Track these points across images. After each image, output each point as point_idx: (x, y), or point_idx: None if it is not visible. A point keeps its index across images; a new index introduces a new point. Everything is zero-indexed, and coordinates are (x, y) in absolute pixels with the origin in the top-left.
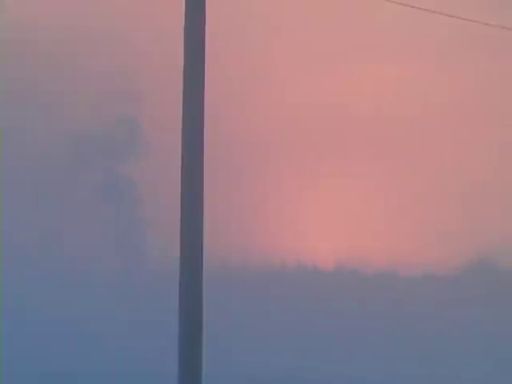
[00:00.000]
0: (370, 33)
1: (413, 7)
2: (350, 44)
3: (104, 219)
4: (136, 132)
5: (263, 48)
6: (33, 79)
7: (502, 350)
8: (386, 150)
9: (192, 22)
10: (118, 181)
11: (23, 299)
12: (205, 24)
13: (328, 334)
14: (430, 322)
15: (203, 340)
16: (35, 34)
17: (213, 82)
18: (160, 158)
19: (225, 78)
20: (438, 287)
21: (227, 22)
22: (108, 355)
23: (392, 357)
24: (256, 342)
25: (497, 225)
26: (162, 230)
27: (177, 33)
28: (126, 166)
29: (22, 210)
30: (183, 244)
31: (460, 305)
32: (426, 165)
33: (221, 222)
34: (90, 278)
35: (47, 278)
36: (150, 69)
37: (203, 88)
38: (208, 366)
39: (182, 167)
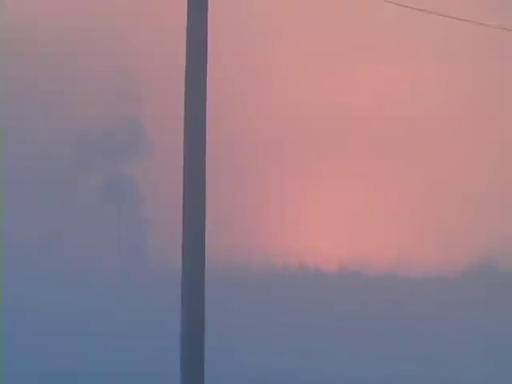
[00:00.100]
0: (372, 33)
1: (413, 8)
2: (351, 44)
3: (105, 219)
4: (138, 132)
5: (265, 48)
6: (33, 79)
7: (502, 352)
8: (388, 150)
9: (194, 22)
10: (120, 181)
11: (23, 299)
12: (207, 24)
13: (330, 336)
14: (432, 324)
15: (205, 340)
16: (35, 34)
17: (215, 82)
18: (162, 158)
19: (227, 78)
20: (440, 289)
21: (229, 22)
22: (110, 355)
23: (394, 358)
24: (257, 342)
25: (498, 225)
26: (164, 230)
27: (179, 33)
28: (127, 166)
29: (21, 210)
30: (185, 244)
31: (462, 306)
32: (427, 165)
33: (223, 222)
34: (92, 278)
35: (48, 278)
36: (152, 69)
37: (205, 88)
38: (210, 366)
39: (184, 167)
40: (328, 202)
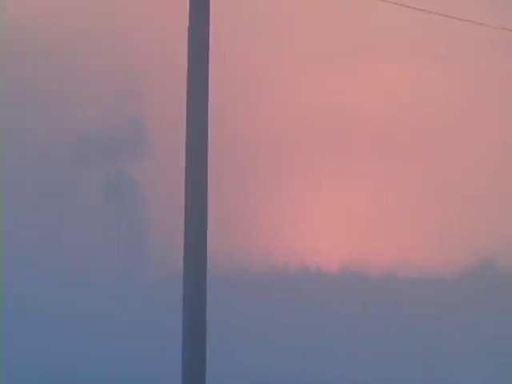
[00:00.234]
0: (374, 34)
1: (414, 8)
2: (353, 44)
3: (107, 219)
4: (140, 132)
5: (267, 48)
6: (33, 79)
7: (503, 353)
8: (389, 150)
9: (196, 22)
10: (122, 181)
11: (23, 299)
12: (209, 24)
13: (330, 337)
14: (432, 325)
15: (207, 340)
16: (35, 34)
17: (217, 82)
18: (164, 158)
19: (229, 78)
20: (440, 290)
21: (231, 22)
22: (111, 355)
23: (394, 360)
24: (258, 343)
25: (498, 227)
26: (166, 230)
27: (180, 33)
28: (129, 167)
29: (21, 210)
30: (187, 244)
31: (462, 307)
32: (427, 166)
33: (225, 223)
34: (94, 278)
35: (48, 277)
36: (153, 69)
37: (207, 88)
38: (210, 367)
39: (185, 167)
40: (330, 202)
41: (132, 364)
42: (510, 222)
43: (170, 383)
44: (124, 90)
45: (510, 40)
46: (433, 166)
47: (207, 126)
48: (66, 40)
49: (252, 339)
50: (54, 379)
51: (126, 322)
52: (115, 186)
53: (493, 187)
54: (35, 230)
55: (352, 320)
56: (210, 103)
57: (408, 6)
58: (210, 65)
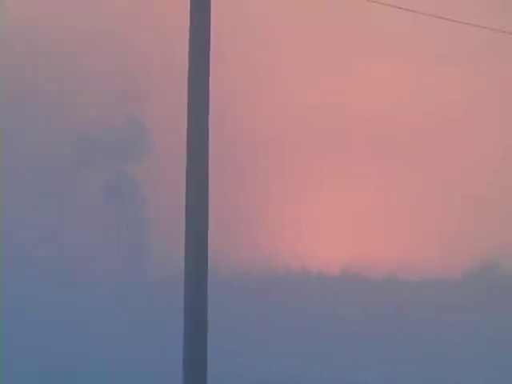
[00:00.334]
0: (375, 36)
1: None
2: (354, 45)
3: (108, 220)
4: (141, 132)
5: (268, 48)
6: (33, 79)
7: (503, 355)
8: (390, 152)
9: (197, 22)
10: (123, 181)
11: (23, 299)
12: (210, 24)
13: (331, 339)
14: (433, 327)
15: (208, 340)
16: (35, 34)
17: (218, 82)
18: (165, 158)
19: (230, 78)
20: (441, 292)
21: (232, 23)
22: (112, 355)
23: (395, 362)
24: (259, 345)
25: (499, 229)
26: (167, 231)
27: (181, 33)
28: (129, 167)
29: (22, 210)
30: (188, 244)
31: (463, 310)
32: (428, 168)
33: (226, 223)
34: (95, 278)
35: (49, 278)
36: (154, 69)
37: (208, 88)
38: (211, 368)
39: (186, 167)
40: (330, 203)
41: (133, 364)
42: (510, 224)
43: (170, 383)
44: (124, 90)
45: (509, 42)
46: (433, 167)
47: (208, 126)
48: (67, 40)
49: (253, 340)
50: (54, 379)
51: (127, 322)
52: (116, 186)
53: (493, 189)
54: (35, 230)
55: (353, 322)
56: (210, 103)
57: (408, 9)
58: (210, 65)
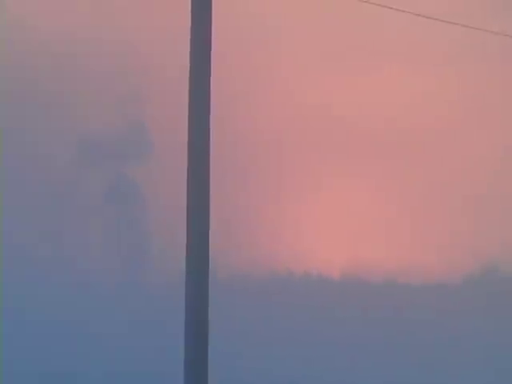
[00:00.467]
0: (376, 37)
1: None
2: (355, 45)
3: (109, 220)
4: (141, 132)
5: (270, 48)
6: (33, 79)
7: (504, 360)
8: (391, 153)
9: (198, 23)
10: (123, 181)
11: (23, 299)
12: (211, 24)
13: (331, 342)
14: (433, 331)
15: (209, 340)
16: (35, 34)
17: (219, 83)
18: (166, 158)
19: (231, 78)
20: (442, 295)
21: (233, 22)
22: (113, 355)
23: (395, 365)
24: (259, 347)
25: (501, 232)
26: (168, 231)
27: (183, 33)
28: (130, 167)
29: (22, 210)
30: (189, 244)
31: (464, 313)
32: (428, 170)
33: (227, 223)
34: (96, 278)
35: (50, 278)
36: (155, 69)
37: (209, 88)
38: (211, 370)
39: (188, 168)
40: (330, 203)
41: (133, 364)
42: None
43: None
44: (125, 90)
45: (509, 44)
46: (433, 168)
47: (209, 126)
48: (67, 40)
49: (253, 342)
50: (54, 379)
51: (128, 322)
52: (117, 186)
53: (494, 191)
54: (35, 230)
55: (353, 325)
56: (212, 103)
57: (409, 12)
58: (212, 65)
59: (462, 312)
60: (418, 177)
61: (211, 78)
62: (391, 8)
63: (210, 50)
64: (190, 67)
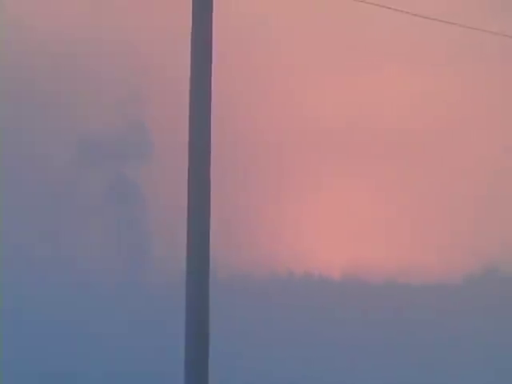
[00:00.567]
0: (376, 37)
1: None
2: (355, 46)
3: (109, 220)
4: (142, 133)
5: (270, 48)
6: (33, 79)
7: (504, 360)
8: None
9: (199, 23)
10: (124, 181)
11: (23, 299)
12: (212, 24)
13: (332, 343)
14: (433, 331)
15: (210, 340)
16: (35, 34)
17: (220, 83)
18: (166, 159)
19: (232, 78)
20: (442, 296)
21: (234, 23)
22: (113, 355)
23: (395, 366)
24: (259, 348)
25: (501, 232)
26: (169, 231)
27: (184, 33)
28: (131, 167)
29: (21, 210)
30: (190, 244)
31: (464, 313)
32: (429, 170)
33: (227, 223)
34: (96, 278)
35: (51, 278)
36: (156, 69)
37: (210, 88)
38: (211, 371)
39: (188, 168)
40: (331, 204)
41: (134, 364)
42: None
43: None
44: (126, 90)
45: (509, 44)
46: (434, 169)
47: (210, 126)
48: (67, 40)
49: (253, 343)
50: (54, 379)
51: (129, 323)
52: (117, 186)
53: (494, 191)
54: (35, 230)
55: (353, 326)
56: (212, 104)
57: (409, 12)
58: (213, 65)
59: (462, 312)
60: (418, 177)
61: (212, 78)
62: (390, 8)
63: (211, 50)
64: (191, 67)
